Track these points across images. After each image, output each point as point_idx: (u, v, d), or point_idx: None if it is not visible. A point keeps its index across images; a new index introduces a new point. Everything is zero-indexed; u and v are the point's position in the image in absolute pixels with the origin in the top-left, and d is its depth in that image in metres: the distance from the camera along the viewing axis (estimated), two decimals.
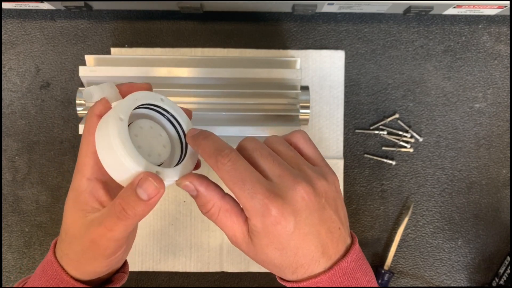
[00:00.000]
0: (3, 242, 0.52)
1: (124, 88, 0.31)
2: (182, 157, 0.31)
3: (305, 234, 0.28)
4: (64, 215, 0.30)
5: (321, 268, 0.28)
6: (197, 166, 0.33)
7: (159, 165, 0.29)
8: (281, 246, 0.28)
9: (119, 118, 0.27)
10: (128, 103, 0.28)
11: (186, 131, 0.31)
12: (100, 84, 0.29)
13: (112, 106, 0.29)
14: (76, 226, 0.29)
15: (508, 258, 0.51)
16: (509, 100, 0.52)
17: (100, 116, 0.29)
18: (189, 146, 0.31)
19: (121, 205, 0.27)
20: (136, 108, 0.29)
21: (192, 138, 0.30)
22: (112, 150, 0.27)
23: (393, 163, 0.52)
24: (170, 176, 0.29)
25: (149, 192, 0.27)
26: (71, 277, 0.31)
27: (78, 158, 0.30)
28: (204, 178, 0.30)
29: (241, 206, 0.29)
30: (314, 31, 0.52)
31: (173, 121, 0.31)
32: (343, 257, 0.29)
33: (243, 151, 0.29)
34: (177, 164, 0.30)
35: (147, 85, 0.32)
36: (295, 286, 0.29)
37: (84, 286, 0.31)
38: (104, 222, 0.28)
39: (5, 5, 0.49)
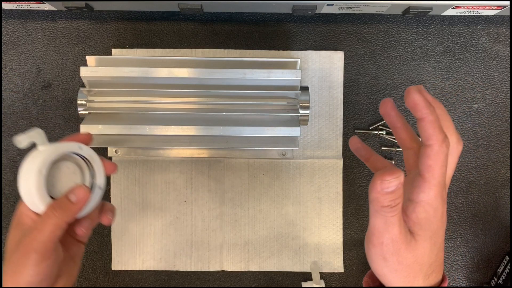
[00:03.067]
0: (3, 241, 0.52)
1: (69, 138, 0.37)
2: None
3: (444, 239, 0.30)
4: (8, 240, 0.35)
5: (440, 277, 0.30)
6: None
7: None
8: (437, 241, 0.29)
9: (39, 170, 0.33)
10: (49, 155, 0.34)
11: (97, 172, 0.38)
12: (27, 130, 0.34)
13: (40, 150, 0.35)
14: (14, 241, 0.34)
15: (507, 257, 0.51)
16: (507, 101, 0.52)
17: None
18: (97, 184, 0.38)
19: (52, 207, 0.33)
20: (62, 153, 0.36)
21: (428, 104, 0.28)
22: (29, 192, 0.33)
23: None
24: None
25: (79, 195, 0.35)
26: None
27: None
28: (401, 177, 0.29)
29: (424, 187, 0.28)
30: (314, 32, 0.52)
31: (88, 163, 0.38)
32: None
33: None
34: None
35: (87, 136, 0.39)
36: None
37: None
38: (36, 226, 0.33)
39: (6, 6, 0.50)
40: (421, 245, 0.29)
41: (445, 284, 0.31)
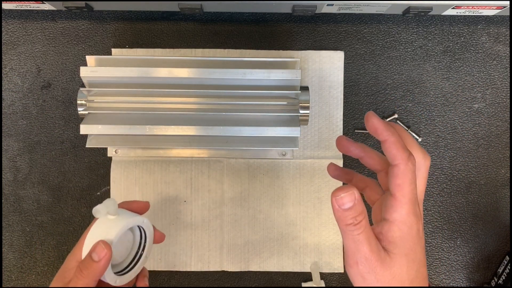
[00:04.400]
0: (4, 241, 0.52)
1: (124, 206, 0.41)
2: (136, 259, 0.41)
3: (424, 253, 0.30)
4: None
5: None
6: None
7: (121, 261, 0.40)
8: (415, 257, 0.29)
9: (110, 242, 0.36)
10: (121, 229, 0.37)
11: (147, 243, 0.41)
12: (105, 201, 0.38)
13: (109, 218, 0.38)
14: None
15: (507, 257, 0.51)
16: (508, 100, 0.52)
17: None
18: (145, 254, 0.41)
19: (79, 267, 0.36)
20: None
21: (388, 126, 0.30)
22: None
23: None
24: (125, 278, 0.39)
25: (100, 254, 0.36)
26: None
27: (77, 246, 0.39)
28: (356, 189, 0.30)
29: (395, 207, 0.29)
30: (314, 32, 0.52)
31: (143, 235, 0.41)
32: None
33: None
34: (130, 264, 0.40)
35: (146, 204, 0.43)
36: None
37: None
38: (70, 284, 0.36)
39: (6, 6, 0.50)
40: (397, 263, 0.29)
41: None
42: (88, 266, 0.36)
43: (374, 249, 0.29)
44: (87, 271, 0.36)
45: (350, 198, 0.29)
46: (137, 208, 0.42)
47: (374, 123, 0.30)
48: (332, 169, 0.37)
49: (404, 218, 0.29)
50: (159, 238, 0.42)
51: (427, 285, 0.31)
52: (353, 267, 0.29)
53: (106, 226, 0.37)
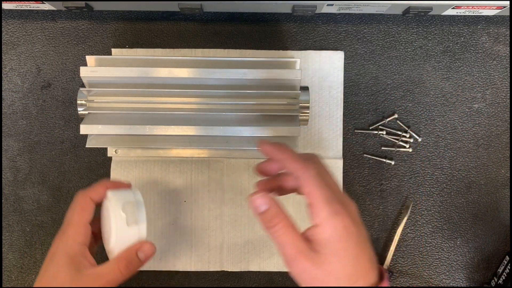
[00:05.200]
0: (4, 241, 0.52)
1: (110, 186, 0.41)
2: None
3: (363, 244, 0.31)
4: (54, 274, 0.36)
5: (374, 279, 0.31)
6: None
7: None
8: (347, 253, 0.30)
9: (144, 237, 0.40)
10: (130, 196, 0.41)
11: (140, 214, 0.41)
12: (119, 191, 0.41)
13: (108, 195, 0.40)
14: (74, 282, 0.36)
15: (507, 257, 0.51)
16: (508, 101, 0.52)
17: (94, 201, 0.40)
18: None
19: (126, 265, 0.37)
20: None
21: (278, 147, 0.34)
22: (128, 229, 0.39)
23: (392, 163, 0.52)
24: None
25: (148, 254, 0.39)
26: None
27: (67, 226, 0.38)
28: (271, 195, 0.33)
29: (315, 212, 0.31)
30: (314, 32, 0.52)
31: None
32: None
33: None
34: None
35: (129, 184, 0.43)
36: None
37: None
38: (108, 277, 0.37)
39: (6, 6, 0.50)
40: (328, 260, 0.30)
41: (385, 284, 0.32)
42: (134, 263, 0.38)
43: (301, 249, 0.30)
44: (132, 267, 0.38)
45: (263, 201, 0.32)
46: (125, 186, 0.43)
47: (266, 148, 0.35)
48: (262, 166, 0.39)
49: (325, 221, 0.30)
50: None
51: (373, 275, 0.31)
52: (290, 269, 0.31)
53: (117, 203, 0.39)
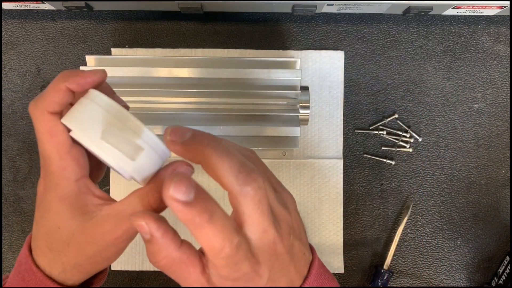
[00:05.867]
0: (4, 241, 0.52)
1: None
2: None
3: (277, 280, 0.26)
4: (57, 227, 0.28)
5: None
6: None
7: None
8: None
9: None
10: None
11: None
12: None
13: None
14: (85, 231, 0.27)
15: (508, 257, 0.51)
16: (508, 100, 0.52)
17: (55, 113, 0.27)
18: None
19: (160, 199, 0.27)
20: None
21: (193, 140, 0.26)
22: (144, 149, 0.27)
23: (393, 163, 0.52)
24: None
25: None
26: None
27: (47, 163, 0.28)
28: (163, 222, 0.26)
29: (242, 220, 0.25)
30: (314, 31, 0.52)
31: None
32: (306, 278, 0.28)
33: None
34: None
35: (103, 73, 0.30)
36: None
37: None
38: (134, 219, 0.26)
39: (6, 6, 0.50)
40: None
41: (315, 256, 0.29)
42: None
43: (197, 281, 0.26)
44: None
45: (144, 229, 0.25)
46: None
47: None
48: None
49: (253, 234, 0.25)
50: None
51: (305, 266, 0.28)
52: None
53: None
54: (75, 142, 0.28)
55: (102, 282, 0.32)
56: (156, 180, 0.28)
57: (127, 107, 0.33)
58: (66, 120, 0.27)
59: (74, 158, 0.28)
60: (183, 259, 0.26)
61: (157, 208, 0.27)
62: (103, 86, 0.30)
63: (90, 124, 0.26)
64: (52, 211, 0.28)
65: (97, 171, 0.32)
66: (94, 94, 0.27)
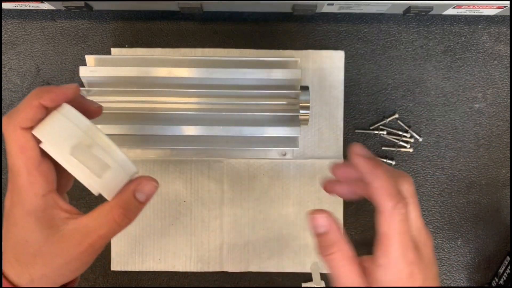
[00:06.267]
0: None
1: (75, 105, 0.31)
2: None
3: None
4: (24, 241, 0.29)
5: None
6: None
7: None
8: None
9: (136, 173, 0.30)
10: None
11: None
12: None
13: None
14: (51, 245, 0.28)
15: (508, 257, 0.51)
16: (508, 100, 0.52)
17: (27, 129, 0.28)
18: None
19: (124, 214, 0.29)
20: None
21: (372, 163, 0.29)
22: (107, 160, 0.29)
23: (393, 163, 0.52)
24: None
25: (149, 192, 0.30)
26: None
27: (16, 178, 0.29)
28: (334, 216, 0.29)
29: (384, 250, 0.28)
30: (314, 31, 0.52)
31: None
32: None
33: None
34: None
35: (99, 110, 0.34)
36: None
37: None
38: (99, 232, 0.29)
39: (5, 5, 0.50)
40: None
41: None
42: (132, 209, 0.29)
43: (356, 284, 0.28)
44: (131, 214, 0.29)
45: (324, 222, 0.28)
46: (90, 110, 0.33)
47: (358, 161, 0.29)
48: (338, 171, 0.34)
49: (392, 265, 0.28)
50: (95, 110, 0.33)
51: None
52: None
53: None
54: (44, 154, 0.29)
55: None
56: (121, 196, 0.30)
57: (99, 109, 0.34)
58: (37, 132, 0.28)
59: (43, 173, 0.29)
60: (349, 255, 0.29)
61: (120, 223, 0.29)
62: None
63: (60, 138, 0.28)
64: (19, 225, 0.29)
65: (67, 181, 0.33)
66: (66, 108, 0.29)
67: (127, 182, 0.30)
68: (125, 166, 0.30)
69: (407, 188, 0.30)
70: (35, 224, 0.28)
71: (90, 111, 0.33)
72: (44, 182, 0.29)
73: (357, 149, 0.30)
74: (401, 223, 0.28)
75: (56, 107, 0.29)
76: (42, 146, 0.28)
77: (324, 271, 0.52)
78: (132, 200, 0.29)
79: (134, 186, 0.30)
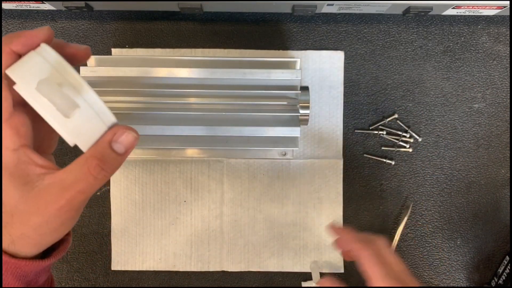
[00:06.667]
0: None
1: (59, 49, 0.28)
2: None
3: None
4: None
5: None
6: None
7: None
8: None
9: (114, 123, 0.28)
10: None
11: None
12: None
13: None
14: (27, 202, 0.27)
15: (507, 257, 0.51)
16: (508, 100, 0.52)
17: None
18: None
19: (100, 166, 0.27)
20: None
21: (341, 230, 0.40)
22: (83, 108, 0.27)
23: (392, 163, 0.52)
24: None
25: (127, 144, 0.28)
26: (31, 259, 0.29)
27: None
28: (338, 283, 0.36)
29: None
30: (314, 31, 0.52)
31: None
32: None
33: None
34: None
35: (86, 51, 0.31)
36: None
37: (47, 261, 0.29)
38: (76, 186, 0.27)
39: (6, 6, 0.50)
40: None
41: None
42: (110, 161, 0.27)
43: None
44: (109, 167, 0.27)
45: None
46: (77, 54, 0.30)
47: (334, 231, 0.40)
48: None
49: None
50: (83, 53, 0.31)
51: None
52: None
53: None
54: (19, 107, 0.27)
55: (61, 255, 0.31)
56: (97, 146, 0.27)
57: (86, 51, 0.31)
58: (9, 71, 0.26)
59: (13, 126, 0.27)
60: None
61: (97, 175, 0.27)
62: (54, 41, 0.29)
63: (30, 75, 0.26)
64: None
65: (50, 141, 0.32)
66: (43, 48, 0.27)
67: (105, 132, 0.28)
68: (101, 114, 0.27)
69: (374, 240, 0.37)
70: (9, 180, 0.27)
71: (77, 55, 0.30)
72: (15, 136, 0.27)
73: (331, 226, 0.40)
74: (372, 256, 0.35)
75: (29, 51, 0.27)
76: (15, 87, 0.27)
77: (324, 270, 0.52)
78: (109, 151, 0.27)
79: (110, 136, 0.28)
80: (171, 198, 0.52)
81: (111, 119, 0.28)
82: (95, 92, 0.27)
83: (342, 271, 0.52)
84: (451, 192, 0.52)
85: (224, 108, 0.47)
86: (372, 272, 0.34)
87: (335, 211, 0.52)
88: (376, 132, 0.52)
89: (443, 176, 0.52)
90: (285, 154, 0.52)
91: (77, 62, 0.30)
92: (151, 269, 0.52)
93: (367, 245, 0.35)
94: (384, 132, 0.52)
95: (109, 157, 0.27)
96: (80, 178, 0.27)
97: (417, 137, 0.52)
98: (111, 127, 0.28)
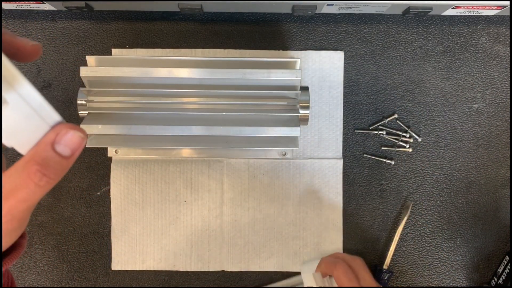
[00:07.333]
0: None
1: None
2: None
3: None
4: None
5: None
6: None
7: None
8: None
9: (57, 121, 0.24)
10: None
11: None
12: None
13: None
14: None
15: (507, 257, 0.51)
16: (507, 100, 0.52)
17: None
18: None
19: (40, 172, 0.23)
20: None
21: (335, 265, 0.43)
22: (21, 106, 0.23)
23: (392, 163, 0.52)
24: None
25: (73, 145, 0.24)
26: None
27: None
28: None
29: None
30: (314, 32, 0.52)
31: None
32: None
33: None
34: None
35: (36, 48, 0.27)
36: None
37: None
38: (16, 194, 0.23)
39: (6, 6, 0.50)
40: None
41: None
42: (53, 165, 0.24)
43: None
44: (53, 171, 0.24)
45: None
46: (22, 49, 0.26)
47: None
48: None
49: None
50: (31, 50, 0.27)
51: None
52: None
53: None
54: None
55: (12, 261, 0.28)
56: (37, 149, 0.24)
57: (35, 48, 0.27)
58: None
59: None
60: None
61: (38, 182, 0.23)
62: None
63: None
64: None
65: None
66: None
67: (47, 132, 0.24)
68: (41, 111, 0.23)
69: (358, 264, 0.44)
70: None
71: (22, 51, 0.27)
72: None
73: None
74: (343, 276, 0.42)
75: None
76: None
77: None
78: (51, 154, 0.24)
79: (52, 136, 0.24)
80: (171, 198, 0.52)
81: (54, 117, 0.24)
82: (33, 87, 0.23)
83: None
84: (451, 192, 0.52)
85: (224, 108, 0.47)
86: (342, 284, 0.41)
87: (335, 211, 0.52)
88: (376, 132, 0.52)
89: (443, 176, 0.52)
90: (285, 154, 0.52)
91: (23, 58, 0.27)
92: (151, 269, 0.52)
93: (342, 263, 0.42)
94: (384, 132, 0.52)
95: (51, 160, 0.24)
96: (19, 185, 0.23)
97: (417, 137, 0.52)
98: (54, 127, 0.24)
